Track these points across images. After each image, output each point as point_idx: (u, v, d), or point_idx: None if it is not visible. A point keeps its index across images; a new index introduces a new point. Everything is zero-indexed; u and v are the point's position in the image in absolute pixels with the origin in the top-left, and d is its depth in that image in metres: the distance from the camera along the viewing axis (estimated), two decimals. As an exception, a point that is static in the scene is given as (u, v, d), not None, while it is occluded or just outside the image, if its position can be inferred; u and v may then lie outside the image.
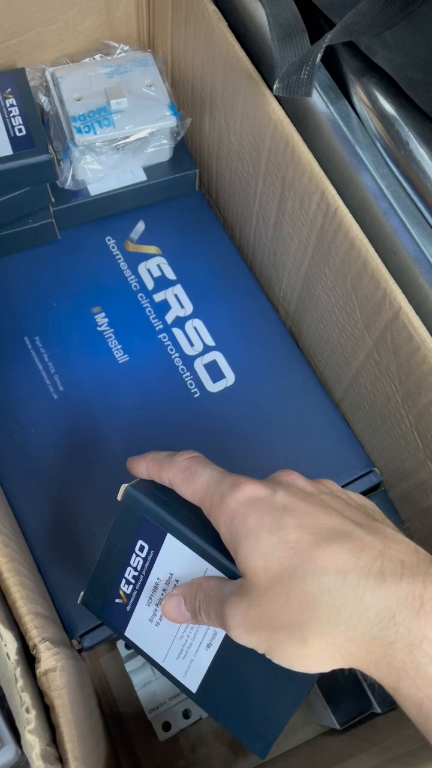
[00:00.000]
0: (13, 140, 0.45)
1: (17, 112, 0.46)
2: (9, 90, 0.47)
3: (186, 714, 0.45)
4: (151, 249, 0.53)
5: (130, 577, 0.31)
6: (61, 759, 0.26)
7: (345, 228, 0.37)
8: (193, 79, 0.49)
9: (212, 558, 0.29)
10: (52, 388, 0.48)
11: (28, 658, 0.29)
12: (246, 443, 0.48)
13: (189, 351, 0.50)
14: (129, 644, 0.33)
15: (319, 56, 0.31)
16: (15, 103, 0.46)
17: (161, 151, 0.51)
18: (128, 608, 0.32)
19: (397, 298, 0.35)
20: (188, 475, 0.29)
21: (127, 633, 0.32)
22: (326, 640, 0.24)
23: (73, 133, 0.47)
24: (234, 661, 0.31)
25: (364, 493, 0.47)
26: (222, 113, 0.47)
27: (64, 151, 0.49)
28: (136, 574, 0.31)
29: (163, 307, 0.51)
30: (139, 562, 0.31)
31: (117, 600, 0.32)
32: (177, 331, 0.51)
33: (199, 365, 0.50)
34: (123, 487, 0.31)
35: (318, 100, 0.38)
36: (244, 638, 0.26)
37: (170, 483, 0.30)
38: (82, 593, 0.33)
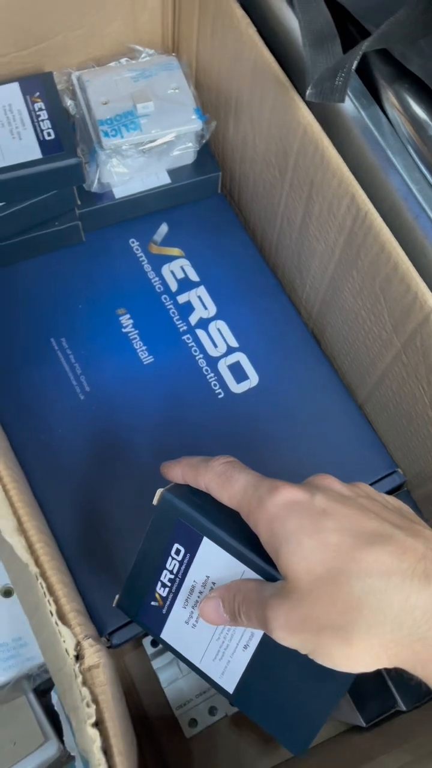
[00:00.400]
0: (42, 144, 0.46)
1: (46, 116, 0.47)
2: (37, 94, 0.47)
3: (212, 711, 0.46)
4: (175, 251, 0.54)
5: (166, 580, 0.32)
6: (105, 753, 0.27)
7: (375, 231, 0.38)
8: (218, 82, 0.50)
9: (250, 561, 0.30)
10: (79, 389, 0.48)
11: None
12: (270, 443, 0.48)
13: (213, 352, 0.51)
14: (165, 646, 0.33)
15: (355, 63, 0.32)
16: (43, 107, 0.47)
17: (186, 154, 0.52)
18: (164, 611, 0.32)
19: (428, 301, 0.36)
20: (225, 480, 0.30)
21: (163, 635, 0.33)
22: (372, 640, 0.25)
23: (100, 136, 0.48)
24: (271, 662, 0.31)
25: (388, 494, 0.48)
26: (248, 117, 0.47)
27: (90, 155, 0.49)
28: (172, 577, 0.32)
29: (187, 309, 0.52)
30: (175, 565, 0.32)
31: (153, 603, 0.32)
32: (201, 333, 0.51)
33: (222, 366, 0.50)
34: (159, 491, 0.32)
35: (349, 106, 0.39)
36: (288, 639, 0.27)
37: (206, 488, 0.31)
38: (117, 597, 0.33)
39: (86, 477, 0.46)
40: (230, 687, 0.32)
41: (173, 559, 0.32)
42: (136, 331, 0.51)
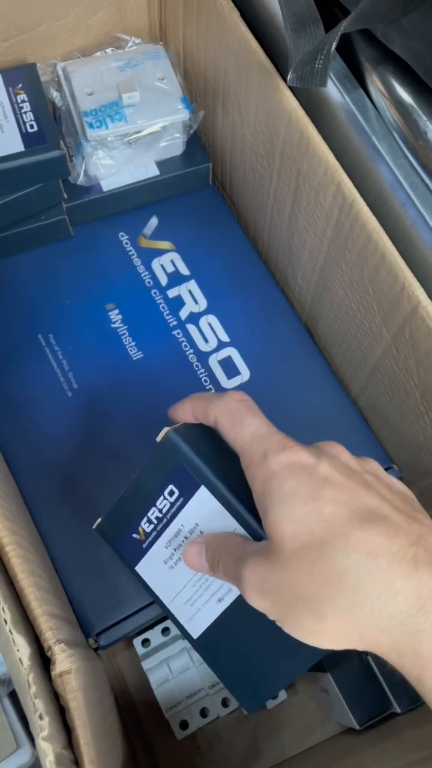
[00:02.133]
0: (25, 136, 0.45)
1: (28, 108, 0.46)
2: (20, 86, 0.46)
3: (203, 713, 0.45)
4: (165, 244, 0.53)
5: (153, 517, 0.32)
6: (77, 761, 0.26)
7: (362, 221, 0.36)
8: (205, 71, 0.49)
9: (243, 519, 0.30)
10: (66, 385, 0.48)
11: (44, 659, 0.28)
12: (262, 440, 0.47)
13: (203, 347, 0.50)
14: (137, 580, 0.33)
15: (334, 45, 0.31)
16: (26, 99, 0.46)
17: (174, 145, 0.50)
18: (144, 545, 0.33)
19: (416, 292, 0.34)
20: (236, 419, 0.29)
21: (138, 569, 0.33)
22: (347, 618, 0.24)
23: (84, 128, 0.47)
24: (243, 620, 0.31)
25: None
26: (235, 105, 0.46)
27: (76, 147, 0.48)
28: (160, 516, 0.32)
29: (177, 303, 0.51)
30: (166, 505, 0.31)
31: (134, 535, 0.33)
32: (191, 327, 0.50)
33: (213, 361, 0.49)
34: (165, 430, 0.31)
35: (333, 90, 0.37)
36: (257, 601, 0.26)
37: (215, 421, 0.30)
38: (98, 520, 0.34)
39: (74, 475, 0.45)
40: (195, 633, 0.32)
41: (165, 498, 0.31)
42: (125, 327, 0.50)
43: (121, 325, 0.50)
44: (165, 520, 0.31)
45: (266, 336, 0.50)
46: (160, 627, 0.46)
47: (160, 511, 0.31)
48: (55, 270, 0.51)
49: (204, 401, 0.31)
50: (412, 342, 0.37)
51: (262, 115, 0.43)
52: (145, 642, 0.46)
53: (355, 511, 0.25)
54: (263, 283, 0.52)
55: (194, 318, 0.51)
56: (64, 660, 0.27)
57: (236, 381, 0.49)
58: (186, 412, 0.32)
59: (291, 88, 0.39)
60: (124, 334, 0.50)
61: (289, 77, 0.34)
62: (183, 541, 0.31)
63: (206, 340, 0.50)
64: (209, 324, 0.51)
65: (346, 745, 0.44)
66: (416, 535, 0.25)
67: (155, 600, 0.33)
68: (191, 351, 0.49)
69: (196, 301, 0.51)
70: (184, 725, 0.45)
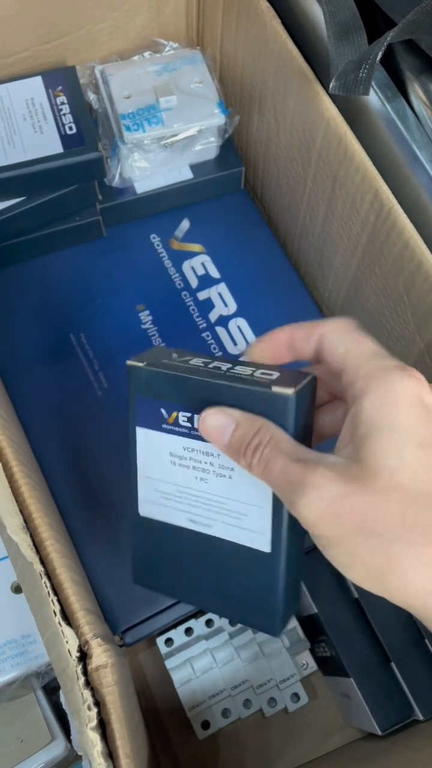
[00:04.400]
0: (64, 138, 0.45)
1: (68, 110, 0.46)
2: (60, 88, 0.47)
3: (225, 713, 0.45)
4: (196, 247, 0.53)
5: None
6: (111, 755, 0.26)
7: (399, 228, 0.37)
8: (242, 76, 0.49)
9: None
10: (97, 385, 0.48)
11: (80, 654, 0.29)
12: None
13: (232, 350, 0.50)
14: (130, 437, 0.30)
15: (380, 55, 0.31)
16: (66, 101, 0.47)
17: (208, 149, 0.51)
18: (164, 426, 0.28)
19: (453, 301, 0.35)
20: (351, 335, 0.26)
21: (138, 428, 0.29)
22: (423, 575, 0.22)
23: (122, 130, 0.47)
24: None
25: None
26: (272, 111, 0.47)
27: (111, 149, 0.49)
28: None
29: (207, 306, 0.51)
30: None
31: (162, 410, 0.28)
32: (220, 330, 0.51)
33: (242, 364, 0.50)
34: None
35: (374, 99, 0.38)
36: (318, 514, 0.23)
37: (320, 337, 0.26)
38: (141, 360, 0.28)
39: (103, 475, 0.46)
40: (143, 511, 0.30)
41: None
42: (156, 328, 0.50)
43: (151, 326, 0.50)
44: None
45: (295, 340, 0.51)
46: (183, 627, 0.46)
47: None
48: (87, 270, 0.52)
49: (303, 326, 0.27)
50: (447, 350, 0.37)
51: (299, 120, 0.43)
52: (168, 641, 0.46)
53: None
54: (293, 288, 0.53)
55: (223, 321, 0.51)
56: (100, 654, 0.28)
57: (264, 384, 0.49)
58: (277, 340, 0.28)
59: (330, 95, 0.39)
60: (154, 335, 0.50)
61: (331, 85, 0.34)
62: (205, 459, 0.28)
63: (235, 343, 0.50)
64: (238, 327, 0.51)
65: (367, 750, 0.44)
66: None
67: (132, 466, 0.30)
68: (220, 353, 0.50)
69: (225, 304, 0.51)
70: (205, 725, 0.45)
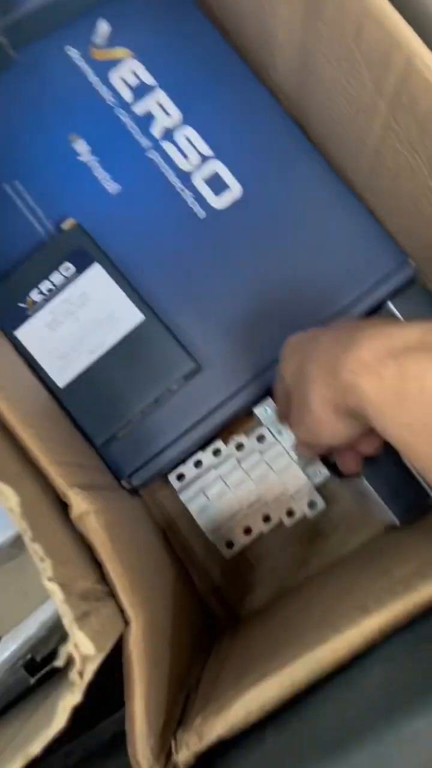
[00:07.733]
0: None
1: None
2: None
3: (247, 530, 0.46)
4: (121, 52, 0.46)
5: (44, 289, 0.40)
6: (112, 593, 0.27)
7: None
8: None
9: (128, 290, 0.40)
10: (44, 233, 0.44)
11: (64, 506, 0.28)
12: (266, 255, 0.44)
13: (185, 166, 0.45)
14: (16, 346, 0.40)
15: None
16: None
17: None
18: (29, 312, 0.39)
19: (407, 39, 0.29)
20: None
21: (18, 332, 0.40)
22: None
23: None
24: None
25: (399, 290, 0.43)
26: None
27: None
28: (52, 287, 0.39)
29: (147, 120, 0.45)
30: (59, 279, 0.39)
31: (21, 304, 0.39)
32: (167, 145, 0.45)
33: (198, 180, 0.45)
34: (70, 220, 0.41)
35: None
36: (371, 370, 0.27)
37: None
38: None
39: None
40: (62, 383, 0.40)
41: (60, 273, 0.40)
42: (95, 158, 0.45)
43: (90, 156, 0.45)
44: (55, 290, 0.39)
45: (253, 139, 0.45)
46: (192, 461, 0.46)
47: (52, 283, 0.39)
48: (4, 105, 0.45)
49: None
50: (410, 103, 0.31)
51: None
52: (180, 477, 0.46)
53: None
54: (241, 79, 0.46)
55: (169, 134, 0.45)
56: (79, 503, 0.27)
57: (227, 198, 0.44)
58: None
59: None
60: (95, 166, 0.45)
61: None
62: (69, 308, 0.39)
63: (186, 157, 0.45)
64: (186, 137, 0.45)
65: (390, 540, 0.45)
66: None
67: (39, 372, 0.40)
68: (172, 172, 0.45)
69: (167, 114, 0.45)
70: (230, 544, 0.47)
